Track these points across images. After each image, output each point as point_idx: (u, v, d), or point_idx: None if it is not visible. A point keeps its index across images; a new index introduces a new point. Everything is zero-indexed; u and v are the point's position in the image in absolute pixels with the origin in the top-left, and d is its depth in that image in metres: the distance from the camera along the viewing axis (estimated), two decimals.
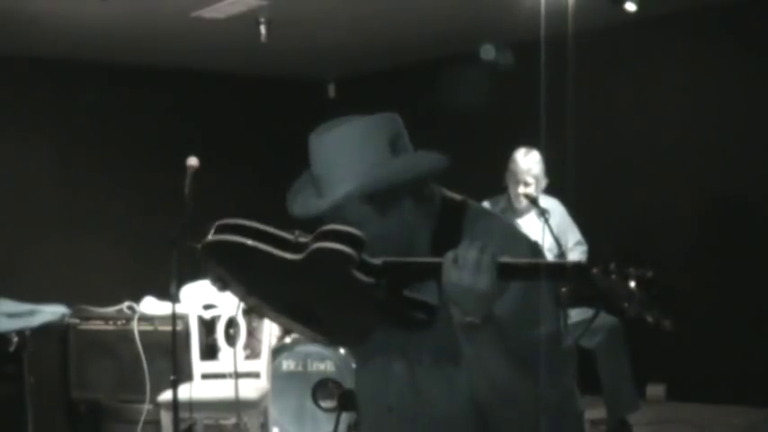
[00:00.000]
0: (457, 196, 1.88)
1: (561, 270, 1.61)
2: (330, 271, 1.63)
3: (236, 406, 4.41)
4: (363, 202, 1.72)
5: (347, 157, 1.72)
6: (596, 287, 1.46)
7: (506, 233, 1.83)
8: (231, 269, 1.78)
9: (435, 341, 1.75)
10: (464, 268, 1.54)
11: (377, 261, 1.63)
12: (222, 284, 1.84)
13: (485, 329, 1.60)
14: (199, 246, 1.75)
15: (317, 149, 1.76)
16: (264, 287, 1.80)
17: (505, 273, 1.57)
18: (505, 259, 1.57)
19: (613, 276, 1.44)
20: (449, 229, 1.77)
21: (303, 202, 1.81)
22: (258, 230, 1.70)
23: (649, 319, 1.44)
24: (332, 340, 2.17)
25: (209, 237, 1.74)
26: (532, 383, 1.66)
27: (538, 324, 1.70)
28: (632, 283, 1.43)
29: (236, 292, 1.87)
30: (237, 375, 4.32)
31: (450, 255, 1.57)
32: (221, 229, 1.74)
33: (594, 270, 1.46)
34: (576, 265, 1.54)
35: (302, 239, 1.68)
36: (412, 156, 1.79)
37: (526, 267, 1.59)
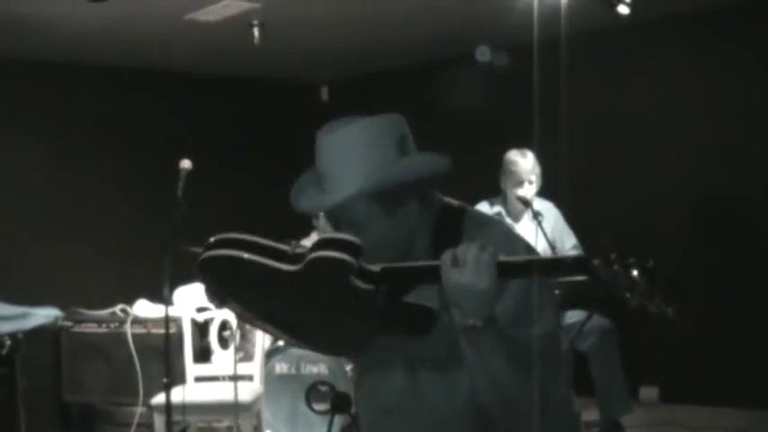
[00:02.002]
0: (455, 202, 1.88)
1: (562, 265, 1.59)
2: (329, 280, 1.61)
3: (230, 409, 4.41)
4: (370, 201, 1.72)
5: (356, 154, 1.72)
6: (598, 280, 1.44)
7: (504, 236, 1.82)
8: (228, 286, 1.77)
9: (436, 345, 1.74)
10: (464, 267, 1.53)
11: (375, 268, 1.62)
12: (220, 301, 1.83)
13: (486, 332, 1.59)
14: (197, 260, 1.73)
15: (325, 146, 1.76)
16: (261, 304, 1.78)
17: (505, 271, 1.55)
18: (504, 257, 1.56)
19: (615, 267, 1.43)
20: (448, 234, 1.77)
21: (309, 198, 1.80)
22: (254, 243, 1.68)
23: (652, 308, 1.43)
24: (330, 354, 2.15)
25: (205, 253, 1.72)
26: (533, 385, 1.65)
27: (536, 324, 1.69)
28: (634, 272, 1.42)
29: (233, 309, 1.86)
30: (232, 378, 4.31)
31: (448, 255, 1.56)
32: (217, 245, 1.72)
33: (596, 262, 1.45)
34: (577, 259, 1.52)
35: (299, 250, 1.66)
36: (419, 156, 1.80)
37: (526, 264, 1.58)
